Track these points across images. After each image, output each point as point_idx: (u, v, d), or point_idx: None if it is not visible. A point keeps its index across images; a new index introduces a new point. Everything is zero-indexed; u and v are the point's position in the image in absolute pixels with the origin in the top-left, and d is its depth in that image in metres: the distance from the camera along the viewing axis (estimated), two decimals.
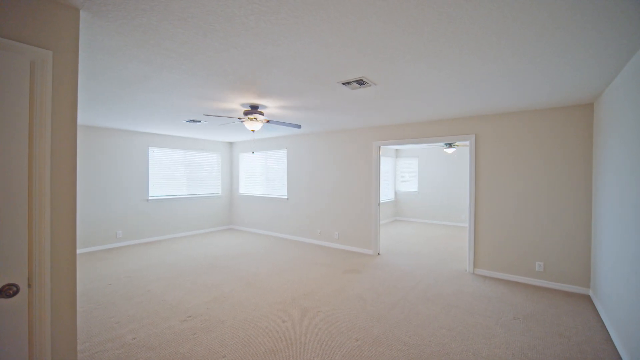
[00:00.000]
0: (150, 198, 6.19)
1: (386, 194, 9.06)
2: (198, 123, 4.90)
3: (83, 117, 4.52)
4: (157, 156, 6.35)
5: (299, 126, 3.83)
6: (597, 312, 3.06)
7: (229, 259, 4.89)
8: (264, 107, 3.79)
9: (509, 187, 4.00)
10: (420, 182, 9.09)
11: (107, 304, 3.19)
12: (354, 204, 5.47)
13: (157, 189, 6.37)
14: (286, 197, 6.59)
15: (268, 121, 3.80)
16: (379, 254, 5.25)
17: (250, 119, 3.71)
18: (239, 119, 3.65)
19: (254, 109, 3.74)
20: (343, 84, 2.81)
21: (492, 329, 2.72)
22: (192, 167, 7.02)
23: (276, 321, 2.83)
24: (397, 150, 9.60)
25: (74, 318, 1.52)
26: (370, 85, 2.83)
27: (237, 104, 3.61)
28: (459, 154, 8.35)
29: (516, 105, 3.64)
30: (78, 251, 5.21)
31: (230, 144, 7.86)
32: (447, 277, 4.08)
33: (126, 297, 3.39)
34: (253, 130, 3.81)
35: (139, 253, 5.24)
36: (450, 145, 6.31)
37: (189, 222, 6.91)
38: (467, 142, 6.63)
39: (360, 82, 2.78)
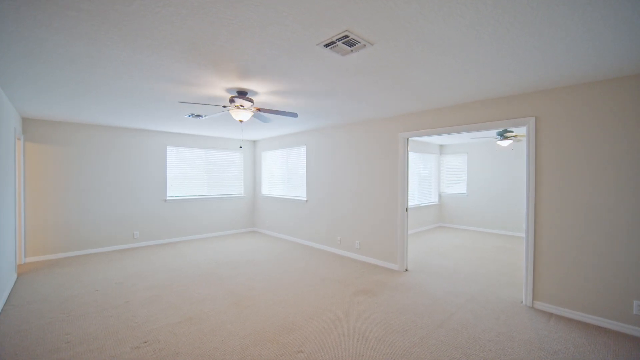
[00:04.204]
0: (168, 198, 6.05)
1: (428, 197, 7.89)
2: (200, 118, 4.51)
3: (89, 115, 4.42)
4: (175, 155, 6.19)
5: (296, 115, 3.15)
6: None
7: (232, 268, 4.40)
8: (254, 93, 3.19)
9: (589, 191, 2.81)
10: (470, 182, 7.72)
11: (75, 317, 2.87)
12: (377, 209, 4.59)
13: (176, 190, 6.21)
14: (305, 198, 5.94)
15: (259, 109, 3.19)
16: (406, 269, 4.30)
17: (237, 107, 3.13)
18: (224, 107, 3.10)
19: (241, 95, 3.17)
20: (325, 46, 2.05)
21: None
22: (213, 167, 6.77)
23: None
24: (441, 146, 8.34)
25: None
26: (365, 45, 2.03)
27: (220, 88, 3.05)
28: (518, 148, 6.85)
29: (601, 71, 2.48)
30: (94, 251, 5.20)
31: (254, 142, 7.49)
32: (493, 310, 3.03)
33: (101, 308, 3.06)
34: (241, 121, 3.23)
35: (149, 255, 5.05)
36: (504, 135, 5.04)
37: (208, 223, 6.66)
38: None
39: (349, 42, 1.99)
